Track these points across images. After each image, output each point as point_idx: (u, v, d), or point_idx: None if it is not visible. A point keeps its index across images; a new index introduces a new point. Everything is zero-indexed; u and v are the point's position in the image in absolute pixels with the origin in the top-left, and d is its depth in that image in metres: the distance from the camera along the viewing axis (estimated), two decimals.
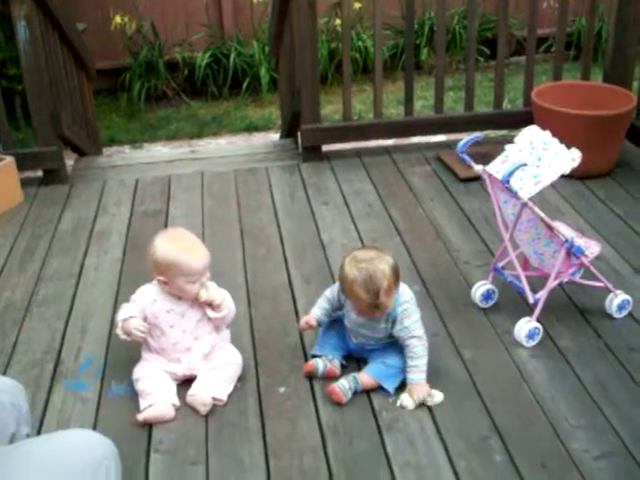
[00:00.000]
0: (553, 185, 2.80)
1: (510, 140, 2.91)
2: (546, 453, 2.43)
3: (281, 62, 4.98)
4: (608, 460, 2.40)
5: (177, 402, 2.65)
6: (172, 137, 6.31)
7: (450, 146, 4.35)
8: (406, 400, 2.62)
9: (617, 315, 3.03)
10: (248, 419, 2.59)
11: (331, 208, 3.91)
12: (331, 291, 2.81)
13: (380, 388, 2.68)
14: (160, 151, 5.95)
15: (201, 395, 2.63)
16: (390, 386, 2.67)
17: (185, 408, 2.64)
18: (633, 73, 4.49)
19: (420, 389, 2.63)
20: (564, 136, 2.86)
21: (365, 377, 2.68)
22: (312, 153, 4.41)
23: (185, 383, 2.71)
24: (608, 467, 2.38)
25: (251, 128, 6.41)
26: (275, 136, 5.74)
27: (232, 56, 6.82)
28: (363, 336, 2.74)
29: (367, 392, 2.67)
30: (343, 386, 2.64)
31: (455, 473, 2.37)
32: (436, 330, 2.94)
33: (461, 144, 2.96)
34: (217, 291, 2.69)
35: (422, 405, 2.61)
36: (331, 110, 6.19)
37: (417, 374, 2.64)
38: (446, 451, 2.45)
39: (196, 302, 2.69)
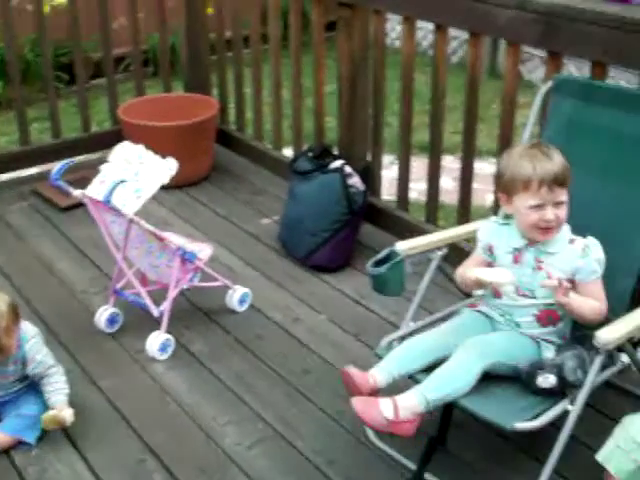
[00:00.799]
0: (155, 198, 2.83)
1: (106, 161, 2.88)
2: (202, 458, 2.46)
3: None
4: (261, 446, 2.50)
5: None
6: None
7: (45, 177, 4.17)
8: (68, 416, 2.49)
9: (240, 309, 3.16)
10: None
11: None
12: None
13: (20, 443, 2.49)
14: None
15: None
16: (30, 438, 2.51)
17: None
18: (210, 80, 4.69)
19: (67, 408, 2.52)
20: (157, 148, 2.90)
21: (1, 436, 2.48)
22: None
23: None
24: (263, 452, 2.48)
25: None
26: None
27: None
28: None
29: (6, 451, 2.47)
30: None
31: None
32: (68, 367, 2.79)
33: (54, 172, 2.86)
34: None
35: (70, 447, 2.49)
36: None
37: (61, 396, 2.53)
38: None
39: None
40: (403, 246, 2.41)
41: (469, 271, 2.33)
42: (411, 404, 2.12)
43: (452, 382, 2.13)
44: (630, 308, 2.23)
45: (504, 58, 3.07)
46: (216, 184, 4.28)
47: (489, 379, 2.20)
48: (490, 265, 2.37)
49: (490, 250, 2.37)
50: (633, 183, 2.40)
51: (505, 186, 2.25)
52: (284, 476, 2.39)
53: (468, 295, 2.57)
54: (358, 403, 2.13)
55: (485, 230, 2.42)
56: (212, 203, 4.07)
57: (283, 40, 4.11)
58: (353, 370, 2.23)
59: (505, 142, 3.06)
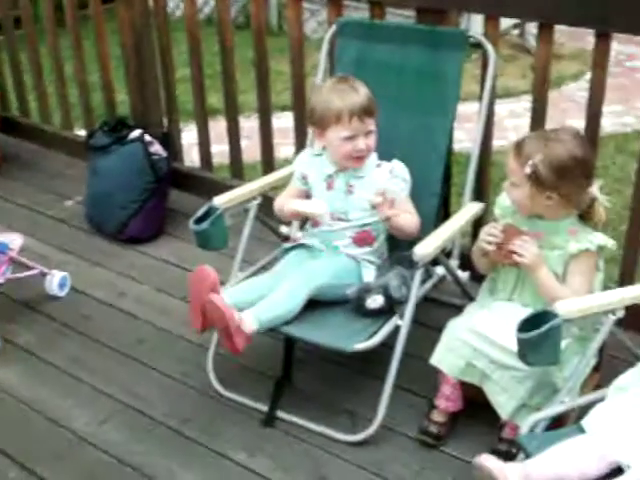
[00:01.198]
0: None
1: None
2: (55, 445, 2.42)
3: None
4: (112, 421, 2.50)
5: None
6: None
7: None
8: None
9: (61, 293, 3.10)
10: None
11: None
12: None
13: None
14: None
15: None
16: None
17: None
18: None
19: None
20: None
21: None
22: None
23: None
24: (115, 426, 2.48)
25: None
26: None
27: None
28: None
29: None
30: None
31: None
32: None
33: None
34: None
35: None
36: None
37: None
38: None
39: None
40: (221, 200, 2.49)
41: (287, 203, 2.48)
42: (247, 321, 2.25)
43: (282, 304, 2.29)
44: (437, 225, 2.43)
45: (276, 15, 3.16)
46: (8, 175, 4.09)
47: (321, 309, 2.35)
48: (307, 194, 2.53)
49: (305, 179, 2.53)
50: (419, 111, 2.61)
51: (317, 121, 2.39)
52: (141, 443, 2.41)
53: (286, 239, 2.70)
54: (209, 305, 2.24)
55: (300, 161, 2.58)
56: (8, 195, 3.89)
57: (59, 21, 3.97)
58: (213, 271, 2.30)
59: (298, 94, 3.18)
